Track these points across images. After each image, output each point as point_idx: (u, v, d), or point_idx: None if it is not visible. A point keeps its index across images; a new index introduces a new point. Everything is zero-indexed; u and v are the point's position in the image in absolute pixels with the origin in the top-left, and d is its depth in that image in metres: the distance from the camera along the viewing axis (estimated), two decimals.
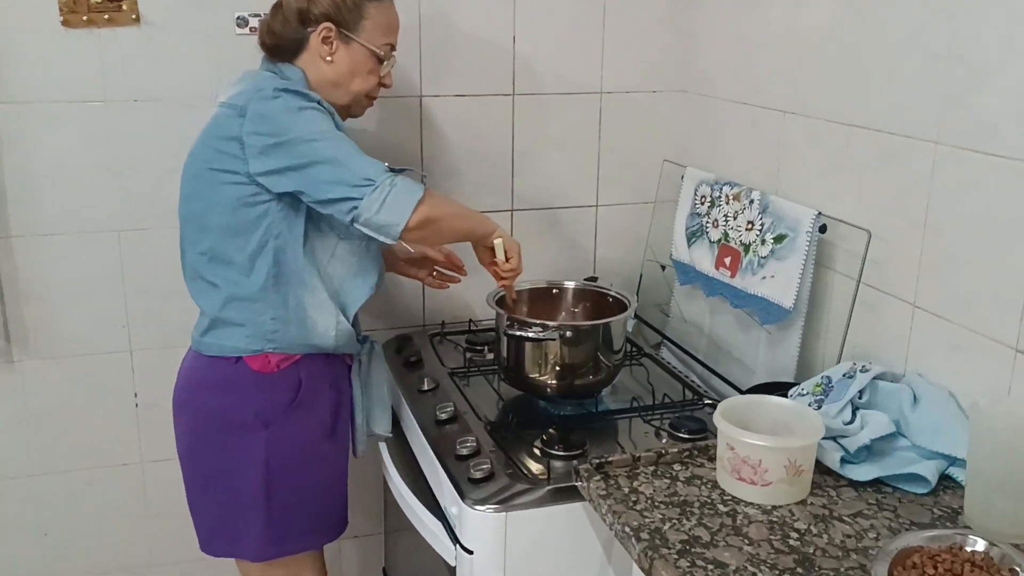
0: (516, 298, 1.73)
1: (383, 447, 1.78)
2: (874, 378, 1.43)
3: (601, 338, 1.64)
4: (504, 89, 2.00)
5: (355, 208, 1.42)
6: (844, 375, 1.45)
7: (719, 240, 1.84)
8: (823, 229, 1.58)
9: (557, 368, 1.64)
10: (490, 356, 1.92)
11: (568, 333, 1.61)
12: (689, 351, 1.98)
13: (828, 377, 1.48)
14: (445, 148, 2.00)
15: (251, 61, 1.65)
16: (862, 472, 1.33)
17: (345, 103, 1.59)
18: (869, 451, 1.36)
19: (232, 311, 1.53)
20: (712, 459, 1.38)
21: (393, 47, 1.62)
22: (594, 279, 1.95)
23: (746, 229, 1.76)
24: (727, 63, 1.93)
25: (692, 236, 1.93)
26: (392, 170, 1.47)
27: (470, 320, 2.07)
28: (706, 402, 1.72)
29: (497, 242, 1.62)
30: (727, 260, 1.81)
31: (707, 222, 1.89)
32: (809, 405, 1.44)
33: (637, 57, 2.06)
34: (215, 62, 1.83)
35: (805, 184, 1.69)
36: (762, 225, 1.71)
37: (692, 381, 1.83)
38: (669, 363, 1.93)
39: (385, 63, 1.61)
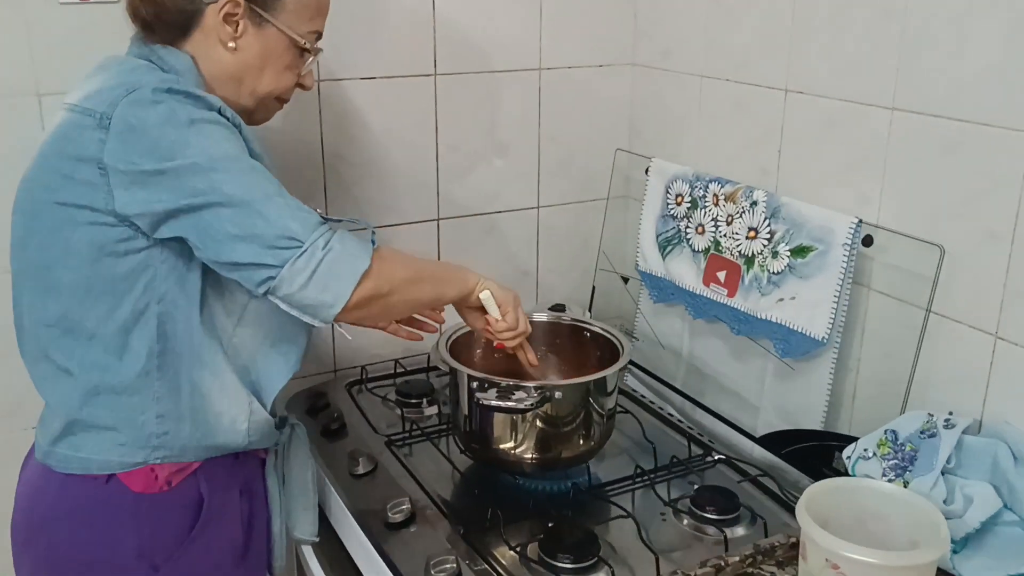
0: (535, 363, 1.34)
1: (308, 553, 1.35)
2: None
3: (593, 395, 1.28)
4: (423, 68, 1.58)
5: (270, 279, 0.99)
6: (921, 432, 1.15)
7: (707, 250, 1.50)
8: (867, 241, 1.27)
9: (540, 438, 1.26)
10: (431, 411, 1.52)
11: (557, 394, 1.23)
12: (666, 381, 1.65)
13: (894, 432, 1.18)
14: (351, 145, 1.55)
15: (89, 39, 1.16)
16: (979, 569, 1.03)
17: (247, 106, 1.14)
18: (976, 535, 1.07)
19: (98, 408, 1.06)
20: (784, 562, 1.05)
21: (319, 35, 1.17)
22: (561, 307, 1.58)
23: (747, 238, 1.42)
24: (698, 29, 1.58)
25: (667, 244, 1.59)
26: (325, 220, 1.04)
27: (396, 361, 1.65)
28: (716, 457, 1.39)
29: (484, 295, 1.21)
30: (720, 275, 1.48)
31: (687, 227, 1.55)
32: (884, 475, 1.13)
33: (581, 22, 1.68)
34: (27, 41, 1.31)
35: (818, 181, 1.37)
36: (771, 233, 1.38)
37: (687, 427, 1.50)
38: (660, 407, 1.58)
39: (308, 57, 1.16)
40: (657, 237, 1.61)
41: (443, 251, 1.67)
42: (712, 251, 1.49)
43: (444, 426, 1.47)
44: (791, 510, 1.22)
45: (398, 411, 1.52)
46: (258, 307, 1.11)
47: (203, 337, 1.07)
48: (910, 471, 1.12)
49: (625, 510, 1.23)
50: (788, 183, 1.43)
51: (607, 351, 1.37)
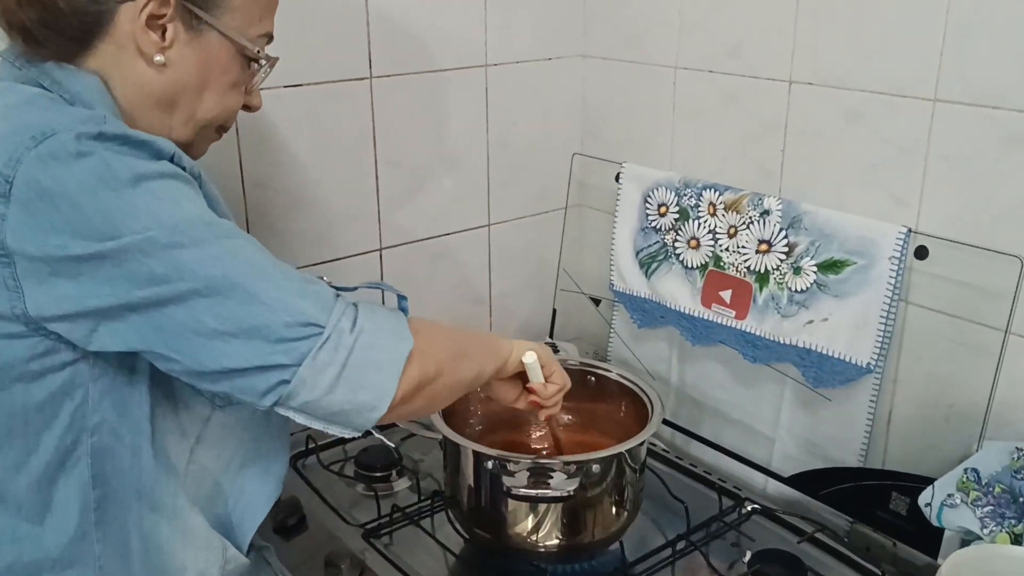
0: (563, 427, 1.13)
1: None
2: None
3: (629, 462, 1.06)
4: (357, 71, 1.30)
5: (283, 384, 0.72)
6: (1015, 472, 1.01)
7: (704, 266, 1.32)
8: (922, 253, 1.11)
9: (568, 519, 1.03)
10: (402, 485, 1.26)
11: (595, 468, 1.01)
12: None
13: (975, 472, 1.03)
14: (276, 171, 1.26)
15: None
16: None
17: (181, 140, 0.84)
18: None
19: None
20: None
21: (270, 38, 0.89)
22: (552, 347, 1.35)
23: (757, 252, 1.25)
24: (670, 13, 1.38)
25: (651, 261, 1.39)
26: (337, 290, 0.78)
27: None
28: (749, 508, 1.21)
29: (529, 360, 0.97)
30: (725, 295, 1.30)
31: (676, 241, 1.35)
32: (983, 526, 0.99)
33: (530, 7, 1.45)
34: None
35: (834, 184, 1.21)
36: (789, 247, 1.21)
37: (702, 471, 1.31)
38: (663, 449, 1.39)
39: (260, 68, 0.88)
40: (637, 253, 1.41)
41: (391, 282, 1.41)
42: (711, 267, 1.31)
43: (426, 502, 1.22)
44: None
45: (362, 487, 1.25)
46: (224, 418, 0.83)
47: (155, 473, 0.79)
48: (1011, 519, 0.98)
49: None
50: (795, 187, 1.26)
51: (619, 397, 1.17)
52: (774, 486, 1.32)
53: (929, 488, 1.05)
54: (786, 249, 1.22)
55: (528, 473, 0.96)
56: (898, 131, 1.13)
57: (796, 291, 1.21)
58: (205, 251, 0.70)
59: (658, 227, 1.38)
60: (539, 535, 1.04)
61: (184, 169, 0.75)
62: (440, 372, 0.81)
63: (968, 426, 1.13)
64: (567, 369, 1.04)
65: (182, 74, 0.81)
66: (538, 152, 1.53)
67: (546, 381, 0.99)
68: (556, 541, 1.04)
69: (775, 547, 1.11)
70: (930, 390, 1.16)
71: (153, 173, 0.71)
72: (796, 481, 1.26)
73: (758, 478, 1.33)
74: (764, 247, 1.24)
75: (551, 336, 1.59)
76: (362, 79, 1.30)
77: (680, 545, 1.13)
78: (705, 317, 1.32)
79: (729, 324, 1.29)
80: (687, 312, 1.34)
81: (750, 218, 1.25)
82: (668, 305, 1.37)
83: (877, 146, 1.15)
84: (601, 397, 1.20)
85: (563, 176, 1.56)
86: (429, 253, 1.45)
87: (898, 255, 1.10)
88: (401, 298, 0.83)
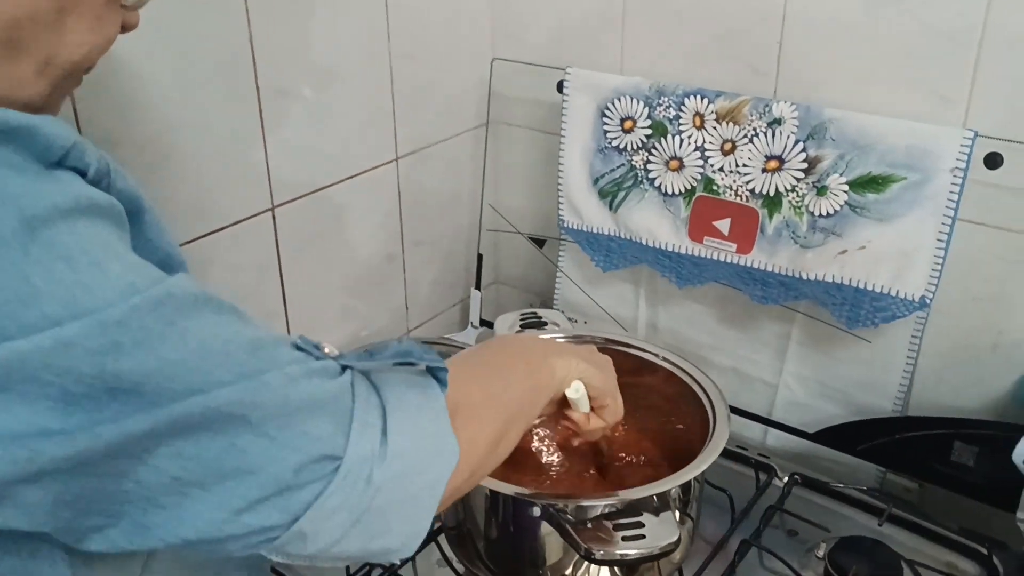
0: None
1: None
2: None
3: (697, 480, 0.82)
4: None
5: (267, 543, 0.48)
6: None
7: (690, 191, 1.07)
8: (994, 162, 0.92)
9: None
10: None
11: (673, 492, 0.76)
12: None
13: None
14: (124, 114, 0.86)
15: None
16: None
17: (33, 97, 0.47)
18: None
19: None
20: None
21: None
22: (535, 317, 1.06)
23: (764, 170, 1.02)
24: None
25: (615, 190, 1.13)
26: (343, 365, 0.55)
27: None
28: (785, 478, 1.02)
29: (575, 392, 0.72)
30: (721, 225, 1.06)
31: (647, 163, 1.09)
32: None
33: None
34: None
35: (852, 81, 0.99)
36: (809, 162, 0.99)
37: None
38: None
39: None
40: (595, 181, 1.14)
41: (285, 254, 1.06)
42: (700, 192, 1.06)
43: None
44: (971, 554, 0.90)
45: None
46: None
47: None
48: None
49: None
50: (796, 90, 1.03)
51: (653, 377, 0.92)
52: (777, 439, 1.14)
53: (1023, 442, 0.89)
54: (804, 166, 0.99)
55: (613, 526, 0.69)
56: (942, 11, 0.91)
57: (821, 216, 0.99)
58: (157, 353, 0.40)
59: (622, 147, 1.11)
60: None
61: (89, 172, 0.41)
62: (484, 466, 0.61)
63: (1021, 353, 0.98)
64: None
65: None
66: (449, 61, 1.20)
67: (593, 411, 0.76)
68: None
69: (853, 533, 0.92)
70: (974, 317, 1.00)
71: (51, 210, 0.38)
72: (827, 435, 1.08)
73: (754, 431, 1.14)
74: (774, 164, 1.01)
75: (477, 286, 1.30)
76: None
77: (732, 546, 0.92)
78: (695, 253, 1.09)
79: (728, 260, 1.06)
80: (670, 249, 1.10)
81: (754, 130, 1.01)
82: (643, 242, 1.12)
83: (905, 35, 0.94)
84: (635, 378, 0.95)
85: (481, 89, 1.24)
86: (331, 205, 1.11)
87: (963, 165, 0.91)
88: (437, 370, 0.57)
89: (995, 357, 1.00)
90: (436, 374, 0.56)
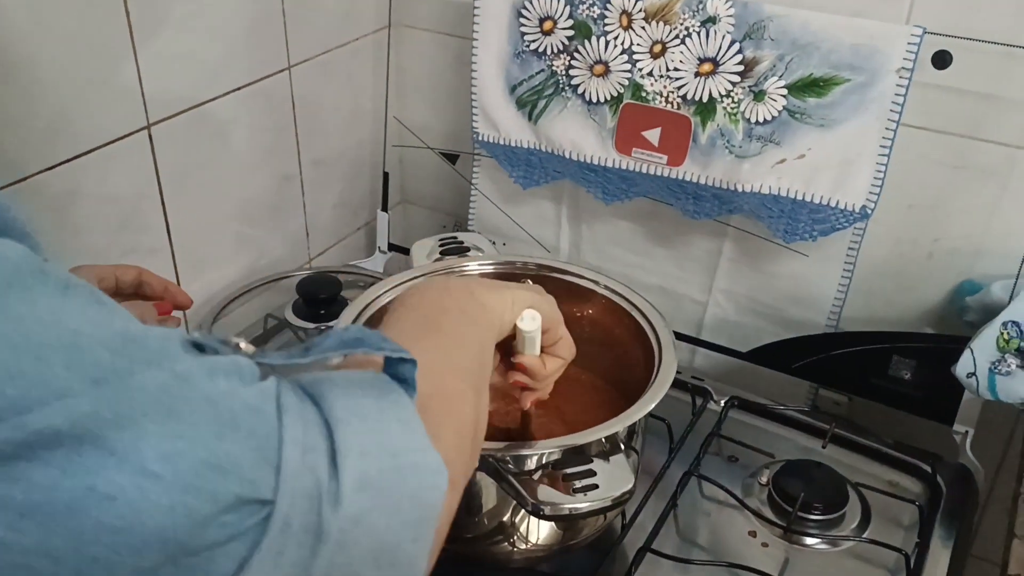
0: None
1: None
2: None
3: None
4: None
5: None
6: None
7: (616, 99, 0.99)
8: (942, 61, 0.86)
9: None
10: None
11: (621, 434, 0.69)
12: None
13: (1016, 325, 0.86)
14: None
15: None
16: None
17: None
18: None
19: None
20: None
21: None
22: (455, 242, 0.96)
23: (697, 74, 0.94)
24: None
25: (535, 98, 1.03)
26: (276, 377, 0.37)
27: None
28: (722, 400, 0.97)
29: (530, 328, 0.61)
30: (651, 135, 0.98)
31: (570, 68, 1.00)
32: None
33: None
34: None
35: None
36: (745, 64, 0.91)
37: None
38: None
39: None
40: (513, 89, 1.04)
41: (166, 179, 0.93)
42: (628, 100, 0.98)
43: None
44: (913, 471, 0.88)
45: None
46: None
47: None
48: None
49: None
50: None
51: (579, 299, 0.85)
52: (707, 359, 1.09)
53: (966, 354, 0.86)
54: (740, 69, 0.92)
55: (563, 477, 0.62)
56: None
57: (758, 123, 0.92)
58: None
59: (541, 50, 1.01)
60: (523, 541, 0.72)
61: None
62: (471, 465, 0.48)
63: (957, 261, 0.95)
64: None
65: None
66: None
67: (544, 352, 0.65)
68: (552, 541, 0.73)
69: (794, 456, 0.88)
70: (910, 226, 0.96)
71: None
72: (759, 355, 1.04)
73: (682, 351, 1.10)
74: (707, 67, 0.93)
75: (384, 208, 1.20)
76: None
77: (673, 476, 0.87)
78: (622, 166, 1.01)
79: (658, 173, 0.99)
80: (595, 162, 1.02)
81: (686, 29, 0.93)
82: (566, 155, 1.03)
83: None
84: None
85: None
86: (216, 122, 0.98)
87: (910, 65, 0.85)
88: (399, 361, 0.42)
89: (931, 266, 0.97)
90: (398, 369, 0.42)
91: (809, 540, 0.81)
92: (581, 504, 0.61)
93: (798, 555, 0.80)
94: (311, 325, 0.99)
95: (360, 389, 0.39)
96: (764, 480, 0.86)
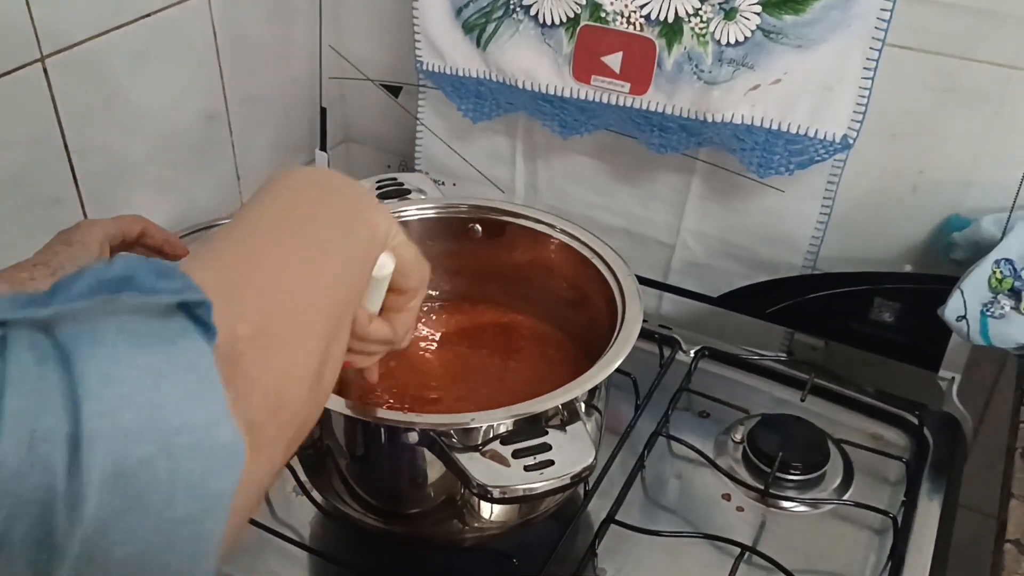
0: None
1: None
2: None
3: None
4: None
5: None
6: None
7: (573, 21, 0.89)
8: None
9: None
10: None
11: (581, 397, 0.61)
12: None
13: (1009, 263, 0.79)
14: None
15: None
16: None
17: None
18: None
19: None
20: None
21: None
22: (394, 183, 0.86)
23: None
24: None
25: (483, 23, 0.93)
26: None
27: None
28: (692, 351, 0.90)
29: (381, 270, 0.49)
30: (611, 60, 0.89)
31: None
32: None
33: None
34: None
35: None
36: None
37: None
38: None
39: None
40: (458, 12, 0.94)
41: (68, 119, 0.83)
42: (586, 21, 0.88)
43: None
44: (897, 422, 0.82)
45: None
46: None
47: None
48: None
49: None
50: None
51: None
52: (674, 305, 1.02)
53: (955, 295, 0.79)
54: None
55: (522, 451, 0.54)
56: None
57: (729, 44, 0.83)
58: None
59: None
60: (482, 514, 0.65)
61: None
62: (300, 434, 0.38)
63: (944, 194, 0.88)
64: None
65: None
66: None
67: (384, 311, 0.53)
68: (506, 516, 0.66)
69: (770, 410, 0.81)
70: (893, 156, 0.88)
71: None
72: (728, 300, 0.96)
73: (648, 297, 1.02)
74: None
75: (323, 147, 1.10)
76: None
77: (639, 436, 0.80)
78: (581, 96, 0.91)
79: (620, 102, 0.90)
80: (551, 92, 0.92)
81: None
82: (519, 84, 0.93)
83: None
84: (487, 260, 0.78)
85: None
86: (124, 54, 0.87)
87: None
88: (194, 304, 0.32)
89: (915, 200, 0.89)
90: (193, 311, 0.32)
91: (787, 504, 0.74)
92: (536, 484, 0.53)
93: (776, 519, 0.74)
94: None
95: (136, 340, 0.30)
96: (738, 437, 0.80)
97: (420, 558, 0.69)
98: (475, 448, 0.55)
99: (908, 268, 0.90)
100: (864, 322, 0.89)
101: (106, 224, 0.71)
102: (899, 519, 0.71)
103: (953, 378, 0.87)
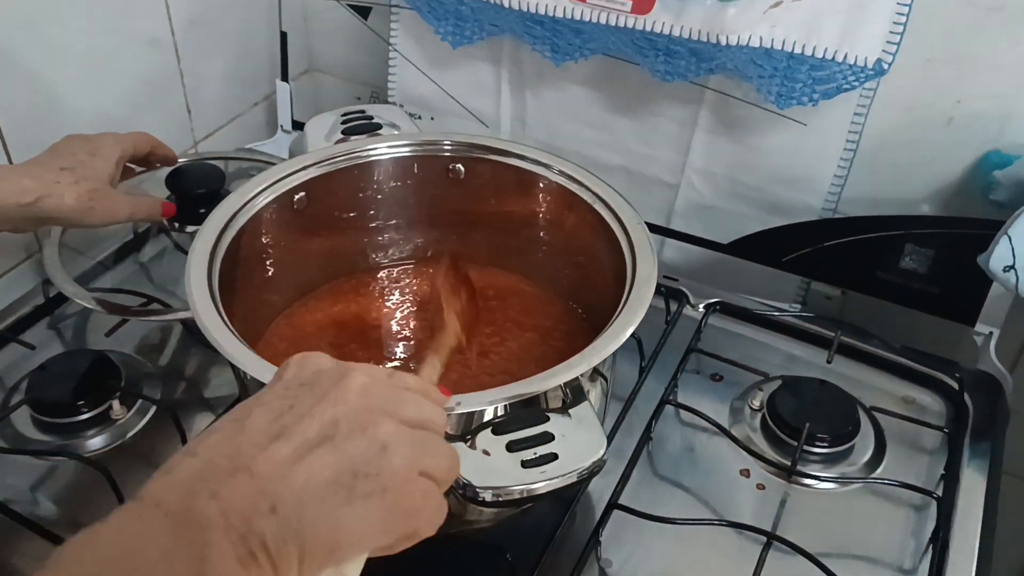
0: None
1: None
2: None
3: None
4: None
5: None
6: None
7: None
8: None
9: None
10: (123, 414, 0.69)
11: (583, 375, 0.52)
12: None
13: None
14: None
15: None
16: None
17: None
18: None
19: None
20: None
21: None
22: (362, 116, 0.75)
23: None
24: None
25: None
26: None
27: None
28: (701, 305, 0.81)
29: None
30: None
31: None
32: None
33: None
34: None
35: None
36: None
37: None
38: None
39: None
40: None
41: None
42: None
43: None
44: (931, 383, 0.73)
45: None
46: None
47: None
48: None
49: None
50: None
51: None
52: (679, 252, 0.93)
53: (1002, 242, 0.70)
54: None
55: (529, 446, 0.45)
56: None
57: None
58: None
59: None
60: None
61: None
62: None
63: (983, 127, 0.78)
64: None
65: None
66: None
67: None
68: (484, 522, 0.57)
69: (792, 374, 0.72)
70: (927, 85, 0.78)
71: None
72: (738, 247, 0.87)
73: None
74: None
75: (284, 77, 0.98)
76: None
77: (645, 403, 0.71)
78: (575, 16, 0.80)
79: (621, 23, 0.79)
80: (541, 11, 0.81)
81: None
82: (504, 3, 0.82)
83: None
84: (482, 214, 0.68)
85: None
86: None
87: None
88: None
89: (950, 134, 0.79)
90: None
91: (811, 481, 0.66)
92: (537, 484, 0.44)
93: (801, 498, 0.65)
94: (192, 228, 0.79)
95: None
96: (756, 404, 0.71)
97: (399, 554, 0.60)
98: (459, 439, 0.46)
99: (925, 209, 0.81)
100: (891, 271, 0.80)
101: (123, 139, 0.72)
102: (942, 497, 0.63)
103: (991, 332, 0.78)
